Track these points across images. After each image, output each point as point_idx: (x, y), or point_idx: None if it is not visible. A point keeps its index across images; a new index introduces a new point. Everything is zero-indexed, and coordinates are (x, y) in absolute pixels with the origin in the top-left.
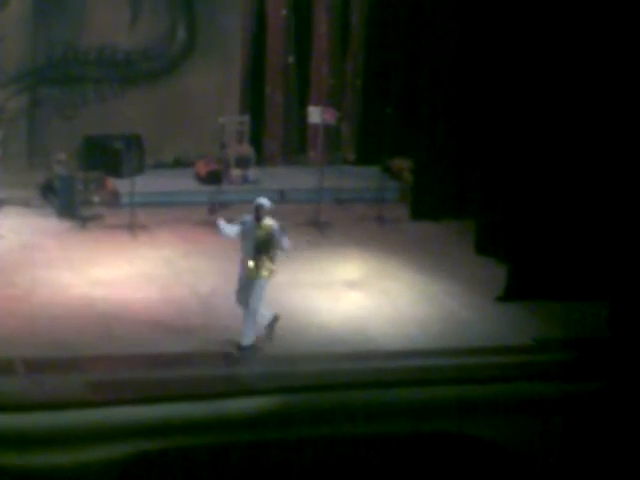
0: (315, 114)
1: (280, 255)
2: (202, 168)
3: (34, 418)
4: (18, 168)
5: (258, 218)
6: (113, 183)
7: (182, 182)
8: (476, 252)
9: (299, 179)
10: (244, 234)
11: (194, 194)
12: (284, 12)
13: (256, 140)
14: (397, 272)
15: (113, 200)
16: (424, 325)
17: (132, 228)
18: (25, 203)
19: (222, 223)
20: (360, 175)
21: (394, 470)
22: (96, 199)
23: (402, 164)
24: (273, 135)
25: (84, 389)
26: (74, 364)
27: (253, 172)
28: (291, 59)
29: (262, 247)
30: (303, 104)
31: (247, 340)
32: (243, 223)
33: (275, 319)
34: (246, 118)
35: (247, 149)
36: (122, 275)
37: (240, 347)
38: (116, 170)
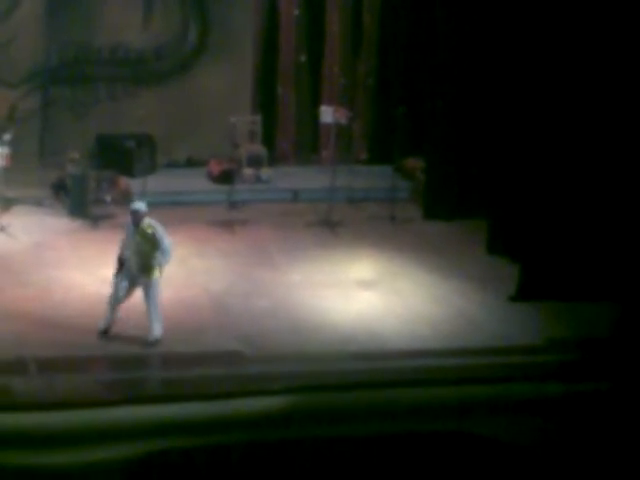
0: (327, 113)
1: (160, 258)
2: (214, 167)
3: (45, 417)
4: (30, 167)
5: (135, 223)
6: (125, 182)
7: (194, 181)
8: (488, 252)
9: (311, 178)
10: (126, 239)
11: (206, 193)
12: (296, 11)
13: (268, 139)
14: (409, 272)
15: (125, 199)
16: (435, 325)
17: None
18: (37, 202)
19: None
20: (372, 174)
21: (403, 470)
22: (108, 198)
23: (414, 163)
24: (285, 134)
25: (95, 388)
26: (86, 363)
27: (265, 171)
28: (303, 58)
29: (144, 250)
30: (315, 103)
31: (157, 331)
32: (127, 227)
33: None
34: (258, 117)
35: (259, 148)
36: None
37: (150, 342)
38: (128, 169)
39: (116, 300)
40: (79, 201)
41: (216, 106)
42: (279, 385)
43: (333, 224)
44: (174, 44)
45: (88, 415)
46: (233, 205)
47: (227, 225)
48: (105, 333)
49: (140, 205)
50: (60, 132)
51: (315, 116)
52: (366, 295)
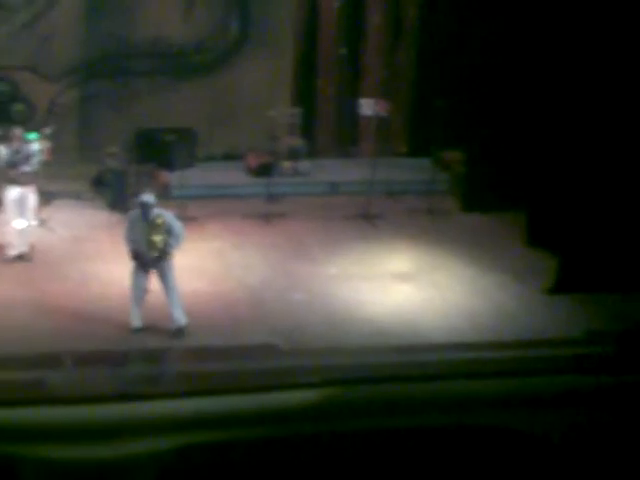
0: (367, 106)
1: (173, 242)
2: (253, 161)
3: (80, 411)
4: (70, 161)
5: (145, 215)
6: (164, 176)
7: (233, 175)
8: (527, 244)
9: (350, 171)
10: (133, 228)
11: (245, 186)
12: (337, 4)
13: (307, 132)
14: (447, 265)
15: (164, 193)
16: (473, 318)
17: (182, 221)
18: (76, 196)
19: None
20: (411, 167)
21: (439, 463)
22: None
23: (453, 156)
24: (324, 127)
25: (131, 382)
26: (122, 357)
27: (304, 164)
28: (343, 51)
29: (155, 239)
30: (355, 96)
31: (182, 320)
32: (132, 220)
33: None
34: (297, 110)
35: (298, 141)
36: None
37: (179, 330)
38: (167, 163)
39: (138, 295)
40: (118, 195)
41: (255, 99)
42: (315, 378)
43: (371, 217)
44: (214, 37)
45: (123, 409)
46: (271, 198)
47: (265, 218)
48: (139, 330)
49: (149, 197)
50: (100, 126)
51: (354, 108)
52: (404, 288)
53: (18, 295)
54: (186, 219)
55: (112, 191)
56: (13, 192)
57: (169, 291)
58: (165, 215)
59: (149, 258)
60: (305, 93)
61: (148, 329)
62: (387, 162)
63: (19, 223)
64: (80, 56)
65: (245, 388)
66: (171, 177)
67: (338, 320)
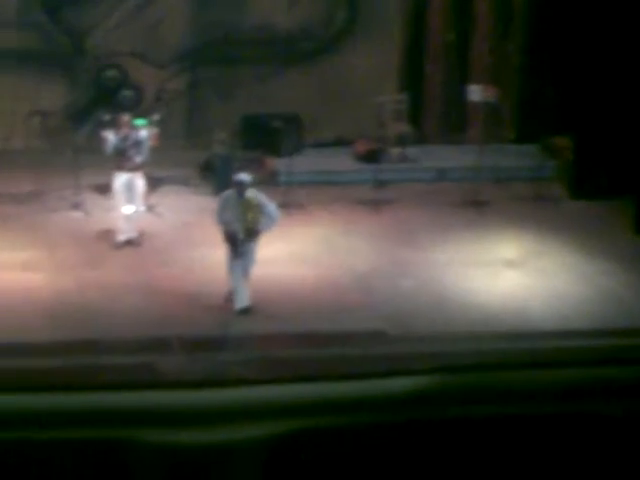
0: (475, 92)
1: (267, 222)
2: (361, 147)
3: (188, 396)
4: (177, 147)
5: (241, 194)
6: (272, 162)
7: (341, 161)
8: (635, 232)
9: (458, 157)
10: (226, 208)
11: (353, 173)
12: None
13: (415, 118)
14: (554, 251)
15: (271, 179)
16: (581, 305)
17: (290, 207)
18: (184, 182)
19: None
20: (519, 154)
21: (544, 450)
22: (254, 178)
23: (562, 142)
24: (432, 113)
25: (237, 367)
26: (229, 342)
27: (412, 150)
28: (451, 36)
29: (248, 218)
30: (463, 82)
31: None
32: (226, 200)
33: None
34: (405, 96)
35: (406, 127)
36: (279, 254)
37: (243, 310)
38: (275, 149)
39: (238, 277)
40: (225, 181)
41: (363, 85)
42: (423, 365)
43: (479, 204)
44: (322, 24)
45: (231, 394)
46: (379, 184)
47: (373, 204)
48: (247, 310)
49: (245, 177)
50: (207, 112)
51: (462, 95)
52: (511, 275)
53: (127, 280)
54: (293, 206)
55: (219, 177)
56: (121, 178)
57: (245, 269)
58: (259, 195)
59: (242, 238)
60: (413, 79)
61: (253, 314)
62: (495, 148)
63: (127, 209)
64: (188, 43)
65: (352, 374)
66: (278, 163)
67: (446, 307)
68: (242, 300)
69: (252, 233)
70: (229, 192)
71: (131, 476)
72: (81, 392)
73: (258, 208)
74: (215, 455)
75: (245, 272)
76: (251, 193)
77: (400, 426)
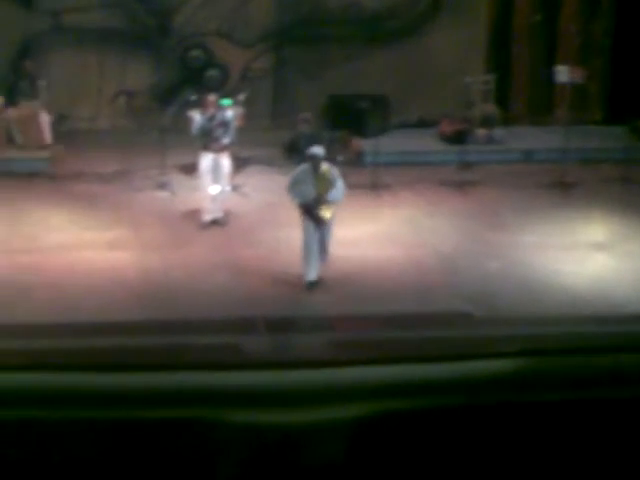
0: (563, 73)
1: (333, 197)
2: (447, 127)
3: (273, 376)
4: (262, 127)
5: (315, 168)
6: (357, 142)
7: (426, 141)
8: None
9: (544, 139)
10: (300, 182)
11: (439, 153)
12: None
13: (502, 99)
14: None
15: (356, 159)
16: None
17: (375, 187)
18: (269, 162)
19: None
20: (606, 135)
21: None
22: (340, 158)
23: None
24: (519, 94)
25: (323, 348)
26: (316, 323)
27: (498, 132)
28: (539, 17)
29: (321, 192)
30: (550, 63)
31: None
32: (300, 174)
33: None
34: (492, 77)
35: (492, 108)
36: (365, 234)
37: (311, 283)
38: (361, 129)
39: (313, 249)
40: None
41: (449, 66)
42: (509, 347)
43: (566, 185)
44: (408, 3)
45: (316, 374)
46: (465, 165)
47: (458, 185)
48: (314, 283)
49: (319, 150)
50: (293, 92)
51: (550, 76)
52: (598, 257)
53: (213, 260)
54: (379, 186)
55: (304, 157)
56: (208, 159)
57: (321, 242)
58: (333, 170)
59: (318, 210)
60: (499, 60)
61: (338, 295)
62: (582, 130)
63: (214, 189)
64: (274, 22)
65: (437, 356)
66: (364, 144)
67: (532, 289)
68: (312, 272)
69: (325, 204)
70: (304, 166)
71: (216, 456)
72: (166, 371)
73: (330, 182)
74: (300, 436)
75: (322, 246)
76: (325, 167)
77: (485, 409)
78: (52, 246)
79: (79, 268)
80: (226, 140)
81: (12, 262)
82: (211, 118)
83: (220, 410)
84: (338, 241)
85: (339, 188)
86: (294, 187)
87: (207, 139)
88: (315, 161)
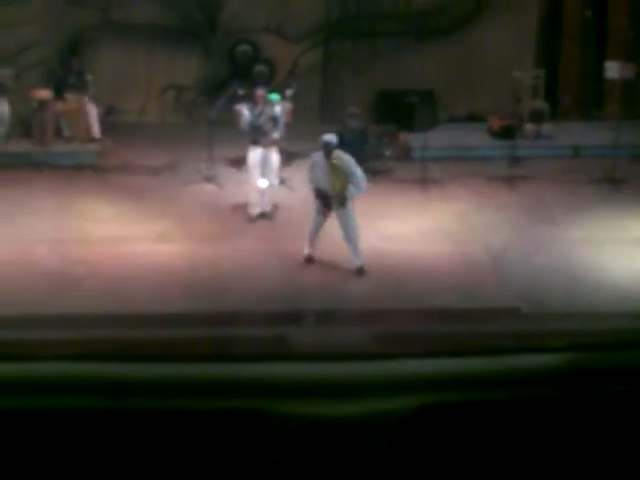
0: (613, 68)
1: (354, 189)
2: (496, 122)
3: (320, 368)
4: (310, 122)
5: (327, 155)
6: (405, 137)
7: (475, 136)
8: None
9: (594, 134)
10: (315, 168)
11: (487, 148)
12: None
13: (551, 95)
14: None
15: (405, 154)
16: None
17: (424, 182)
18: None
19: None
20: None
21: None
22: (388, 153)
23: None
24: (568, 89)
25: (371, 341)
26: (363, 317)
27: (547, 127)
28: (589, 13)
29: (337, 179)
30: (600, 58)
31: (360, 260)
32: (315, 160)
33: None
34: (541, 72)
35: (541, 104)
36: (413, 229)
37: (358, 269)
38: (409, 124)
39: (313, 230)
40: (359, 155)
41: (498, 61)
42: (557, 343)
43: (616, 181)
44: None
45: (365, 367)
46: (514, 161)
47: (507, 181)
48: (309, 260)
49: (331, 137)
50: (341, 87)
51: (599, 71)
52: None
53: (261, 253)
54: (428, 181)
55: (353, 151)
56: (257, 153)
57: (348, 233)
58: (346, 159)
59: (330, 198)
60: (549, 55)
61: (388, 289)
62: (631, 126)
63: (262, 182)
64: (322, 17)
65: (485, 350)
66: (412, 139)
67: (581, 284)
68: (307, 249)
69: (340, 196)
70: (317, 153)
71: (266, 446)
72: (215, 363)
73: (345, 171)
74: (350, 427)
75: (347, 239)
76: (337, 155)
77: (532, 403)
78: (100, 238)
79: (127, 260)
80: (275, 135)
81: (61, 254)
82: (260, 113)
83: (271, 401)
84: (387, 236)
85: (358, 180)
86: (310, 173)
87: (256, 134)
88: (327, 149)
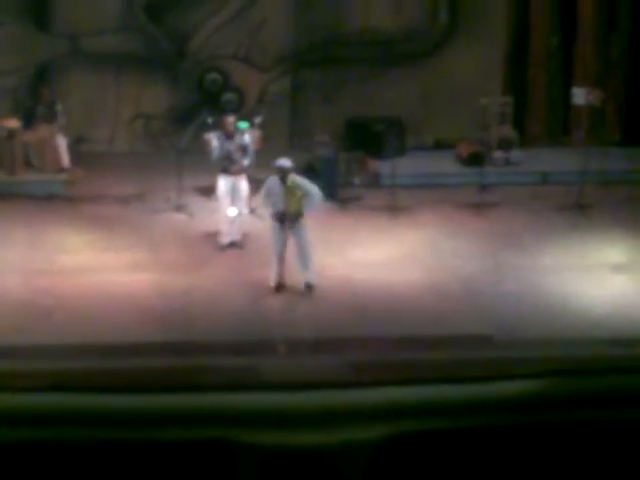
0: (579, 95)
1: (309, 204)
2: (464, 149)
3: (292, 397)
4: (279, 149)
5: (282, 178)
6: (374, 164)
7: (444, 163)
8: None
9: (562, 161)
10: (271, 193)
11: (456, 175)
12: None
13: (518, 121)
14: None
15: (374, 181)
16: None
17: (393, 209)
18: None
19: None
20: (624, 156)
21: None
22: (357, 180)
23: None
24: (536, 116)
25: (341, 369)
26: (335, 345)
27: (515, 154)
28: (555, 39)
29: (293, 200)
30: (567, 85)
31: (313, 275)
32: (270, 185)
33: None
34: (509, 99)
35: (509, 131)
36: (382, 257)
37: (309, 285)
38: (377, 151)
39: (279, 252)
40: (328, 183)
41: (466, 88)
42: (529, 370)
43: (584, 206)
44: (424, 26)
45: (334, 396)
46: (483, 187)
47: (476, 207)
48: (279, 288)
49: (285, 162)
50: (309, 115)
51: (567, 98)
52: (619, 279)
53: (231, 282)
54: (397, 208)
55: (322, 179)
56: (226, 181)
57: (301, 249)
58: (299, 179)
59: (287, 218)
60: (516, 82)
61: (358, 317)
62: (599, 152)
63: (231, 211)
64: (290, 45)
65: (458, 378)
66: (381, 166)
67: (552, 311)
68: (277, 276)
69: (296, 214)
70: (272, 178)
71: (239, 475)
72: (187, 392)
73: (300, 191)
74: (320, 456)
75: (302, 254)
76: (292, 178)
77: (505, 430)
78: (71, 268)
79: (98, 290)
80: (245, 162)
81: (31, 285)
82: (229, 137)
83: (244, 431)
84: (355, 263)
85: (313, 197)
86: (266, 198)
87: (225, 162)
88: (282, 172)
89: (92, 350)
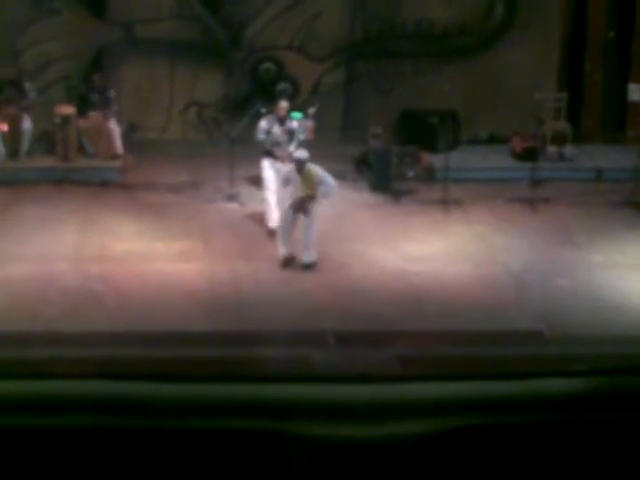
0: (636, 91)
1: (325, 190)
2: (518, 144)
3: (344, 390)
4: (333, 141)
5: (299, 169)
6: (427, 158)
7: (497, 158)
8: None
9: (617, 157)
10: (288, 182)
11: (509, 170)
12: None
13: (573, 117)
14: None
15: (427, 175)
16: None
17: (446, 203)
18: (339, 176)
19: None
20: None
21: None
22: (410, 173)
23: None
24: (591, 112)
25: (394, 363)
26: (385, 338)
27: (569, 149)
28: (612, 34)
29: (308, 186)
30: (623, 81)
31: (313, 256)
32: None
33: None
34: (564, 94)
35: (564, 126)
36: (435, 250)
37: (308, 264)
38: (431, 145)
39: (286, 231)
40: (381, 176)
41: (520, 82)
42: (580, 366)
43: (637, 205)
44: (480, 19)
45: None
46: (536, 183)
47: (529, 203)
48: (287, 261)
49: (303, 153)
50: (363, 107)
51: (623, 94)
52: None
53: (282, 272)
54: (449, 202)
55: (375, 172)
56: (270, 164)
57: (308, 229)
58: (314, 169)
59: (304, 203)
60: (571, 77)
61: (409, 311)
62: None
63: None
64: (345, 37)
65: (508, 374)
66: (434, 159)
67: (603, 308)
68: (285, 250)
69: (308, 197)
70: (289, 169)
71: (291, 468)
72: (238, 383)
73: (315, 180)
74: (372, 449)
75: (308, 234)
76: (308, 168)
77: (555, 426)
78: (122, 255)
79: (149, 278)
80: (290, 149)
81: (82, 271)
82: (279, 121)
83: (295, 423)
84: (408, 257)
85: (329, 185)
86: (285, 186)
87: (271, 145)
88: (300, 164)
89: (143, 338)
